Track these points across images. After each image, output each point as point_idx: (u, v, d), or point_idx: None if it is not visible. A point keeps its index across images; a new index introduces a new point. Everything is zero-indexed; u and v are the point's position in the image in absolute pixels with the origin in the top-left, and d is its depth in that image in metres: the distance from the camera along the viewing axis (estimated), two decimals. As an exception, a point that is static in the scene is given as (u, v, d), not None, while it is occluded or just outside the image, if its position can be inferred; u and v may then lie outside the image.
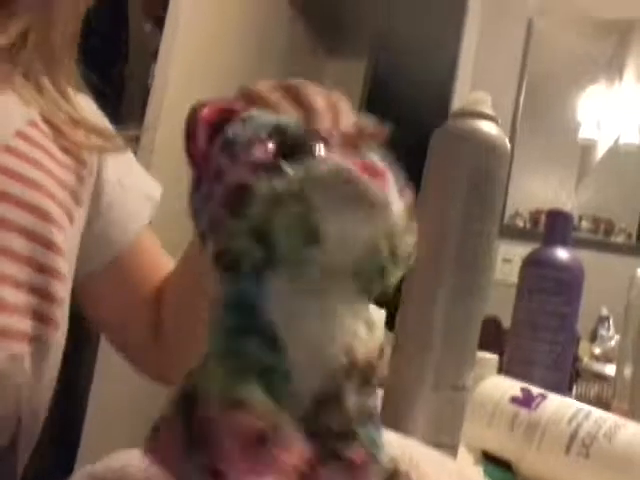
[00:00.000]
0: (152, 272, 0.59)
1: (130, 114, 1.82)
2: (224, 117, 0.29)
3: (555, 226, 0.77)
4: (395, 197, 0.27)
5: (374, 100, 3.18)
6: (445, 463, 0.35)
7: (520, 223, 2.32)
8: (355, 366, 0.26)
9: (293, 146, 0.26)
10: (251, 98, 0.33)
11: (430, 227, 0.48)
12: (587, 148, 2.34)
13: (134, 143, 0.55)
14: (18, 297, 0.42)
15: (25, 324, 0.43)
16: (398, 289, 0.46)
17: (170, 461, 0.24)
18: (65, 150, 0.48)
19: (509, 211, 2.30)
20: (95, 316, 0.59)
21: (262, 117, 0.28)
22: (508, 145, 0.49)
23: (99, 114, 0.56)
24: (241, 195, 0.26)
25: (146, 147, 1.73)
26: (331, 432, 0.25)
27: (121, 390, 1.74)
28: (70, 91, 0.51)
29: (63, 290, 0.47)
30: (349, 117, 0.33)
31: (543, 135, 2.33)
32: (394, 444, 0.36)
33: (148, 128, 1.79)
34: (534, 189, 2.33)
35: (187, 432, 0.24)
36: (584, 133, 2.34)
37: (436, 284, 0.47)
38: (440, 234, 0.47)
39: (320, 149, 0.26)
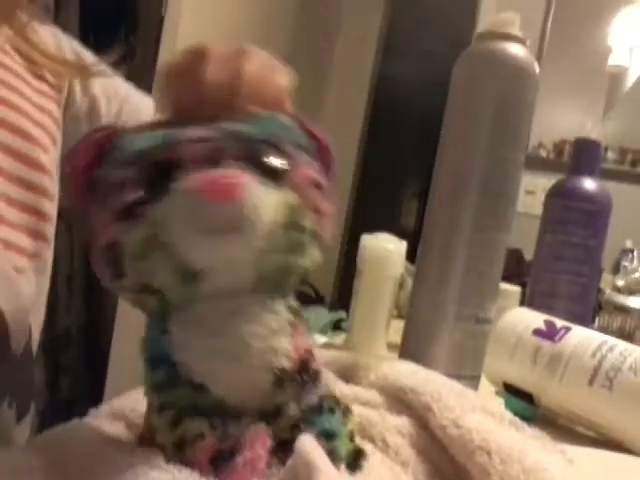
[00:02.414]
0: None
1: (145, 46, 1.78)
2: (100, 151, 0.27)
3: (583, 155, 0.74)
4: (262, 194, 0.25)
5: (396, 24, 3.07)
6: (467, 395, 0.34)
7: (543, 154, 2.26)
8: (285, 375, 0.26)
9: (156, 175, 0.25)
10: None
11: (454, 154, 0.47)
12: (616, 75, 2.25)
13: (123, 65, 0.55)
14: (14, 214, 0.44)
15: (24, 241, 0.45)
16: (420, 220, 0.45)
17: None
18: (38, 77, 0.49)
19: (532, 141, 2.25)
20: None
21: (128, 145, 0.27)
22: (537, 68, 0.46)
23: (70, 42, 0.56)
24: (113, 255, 0.25)
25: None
26: (282, 440, 0.25)
27: (142, 327, 1.78)
28: (35, 24, 0.50)
29: (52, 208, 0.48)
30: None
31: (571, 61, 2.24)
32: (416, 376, 0.35)
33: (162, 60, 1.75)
34: (559, 119, 2.26)
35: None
36: (615, 59, 2.24)
37: (459, 212, 0.45)
38: (464, 161, 0.45)
39: (179, 176, 0.25)
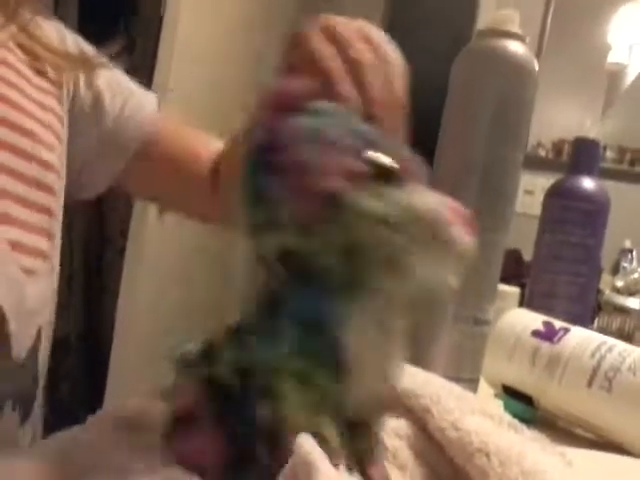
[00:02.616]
0: (185, 142, 0.61)
1: (144, 45, 1.78)
2: (301, 98, 0.27)
3: (581, 155, 0.74)
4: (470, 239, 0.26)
5: (396, 21, 3.06)
6: (466, 397, 0.34)
7: (542, 153, 2.26)
8: (381, 403, 0.27)
9: (377, 164, 0.25)
10: (307, 57, 0.33)
11: (453, 152, 0.46)
12: (615, 73, 2.25)
13: (125, 56, 0.55)
14: (26, 214, 0.44)
15: (36, 241, 0.45)
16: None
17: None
18: (39, 73, 0.49)
19: (531, 141, 2.24)
20: (151, 199, 0.68)
21: (345, 118, 0.27)
22: (536, 65, 0.46)
23: (74, 37, 0.56)
24: (337, 203, 0.24)
25: (160, 84, 1.70)
26: (357, 452, 0.25)
27: (143, 332, 1.78)
28: (39, 19, 0.50)
29: (59, 206, 0.49)
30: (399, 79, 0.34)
31: (570, 59, 2.24)
32: (415, 379, 0.35)
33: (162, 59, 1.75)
34: (557, 117, 2.26)
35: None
36: (614, 57, 2.24)
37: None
38: (463, 159, 0.45)
39: (412, 178, 0.26)
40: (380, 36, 0.35)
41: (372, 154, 0.25)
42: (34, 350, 0.45)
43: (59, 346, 1.77)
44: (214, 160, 0.59)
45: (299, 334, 0.25)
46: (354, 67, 0.33)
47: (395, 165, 0.26)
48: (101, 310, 1.84)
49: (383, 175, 0.25)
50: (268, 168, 0.25)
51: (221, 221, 0.61)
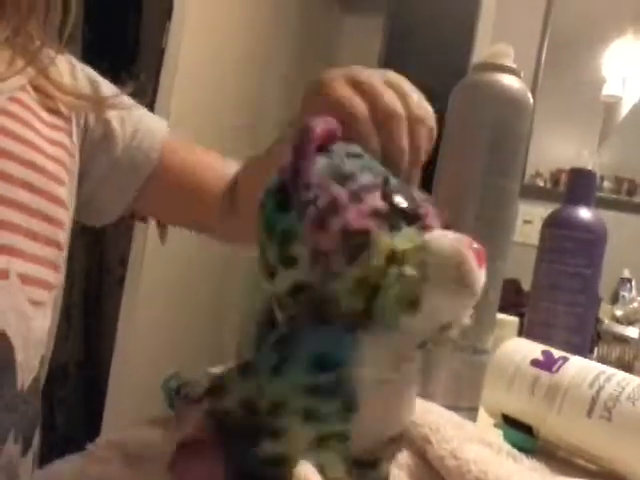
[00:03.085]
0: (197, 165, 0.62)
1: (146, 75, 1.80)
2: (327, 138, 0.28)
3: (577, 185, 0.75)
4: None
5: (393, 55, 3.11)
6: (465, 426, 0.34)
7: (540, 183, 2.28)
8: (397, 438, 0.26)
9: (400, 207, 0.26)
10: (333, 103, 0.33)
11: (450, 184, 0.47)
12: (611, 105, 2.28)
13: (141, 94, 0.56)
14: (36, 248, 0.44)
15: (45, 273, 0.45)
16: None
17: None
18: (51, 110, 0.50)
19: (529, 171, 2.26)
20: (166, 221, 0.70)
21: (369, 162, 0.28)
22: (531, 99, 0.47)
23: (84, 69, 0.56)
24: (361, 241, 0.25)
25: (162, 110, 1.72)
26: None
27: (141, 361, 1.77)
28: (52, 53, 0.51)
29: (66, 239, 0.49)
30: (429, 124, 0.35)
31: (565, 92, 2.27)
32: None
33: (164, 89, 1.78)
34: (555, 148, 2.28)
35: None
36: (608, 89, 2.27)
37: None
38: (460, 191, 0.46)
39: (431, 221, 0.26)
40: (407, 85, 0.35)
41: (395, 196, 0.26)
42: (37, 380, 0.45)
43: (57, 374, 1.76)
44: (230, 181, 0.60)
45: (309, 370, 0.25)
46: (384, 116, 0.33)
47: (417, 208, 0.26)
48: (100, 339, 1.83)
49: (405, 217, 0.26)
50: (290, 205, 0.26)
51: (240, 242, 0.62)
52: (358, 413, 0.24)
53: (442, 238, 0.25)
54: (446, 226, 0.28)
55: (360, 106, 0.33)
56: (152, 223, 1.63)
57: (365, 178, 0.26)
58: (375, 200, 0.26)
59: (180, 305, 1.95)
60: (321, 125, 0.27)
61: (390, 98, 0.34)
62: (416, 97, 0.35)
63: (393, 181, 0.27)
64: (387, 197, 0.26)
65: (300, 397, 0.24)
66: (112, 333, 1.72)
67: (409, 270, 0.24)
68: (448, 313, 0.25)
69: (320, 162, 0.27)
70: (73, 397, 1.79)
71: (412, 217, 0.26)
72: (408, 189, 0.27)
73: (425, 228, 0.26)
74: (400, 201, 0.26)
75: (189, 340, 1.94)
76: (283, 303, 0.26)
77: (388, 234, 0.25)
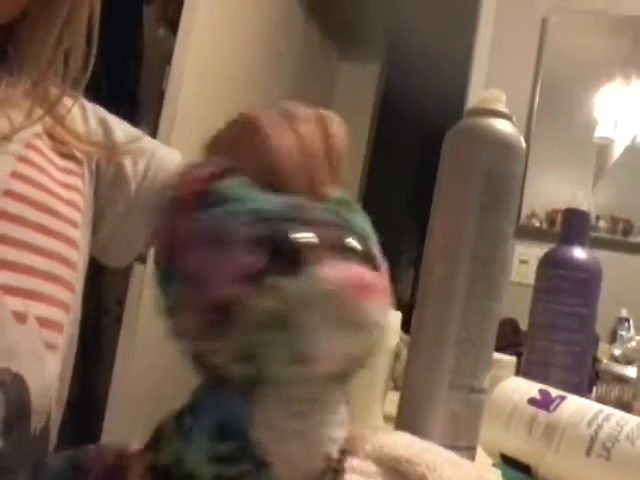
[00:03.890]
0: None
1: (145, 118, 1.83)
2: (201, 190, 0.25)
3: (572, 225, 0.76)
4: (386, 306, 0.25)
5: (388, 102, 3.18)
6: (463, 466, 0.34)
7: (536, 223, 2.29)
8: (330, 467, 0.26)
9: (279, 248, 0.24)
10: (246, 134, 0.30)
11: (445, 226, 0.48)
12: (604, 147, 2.32)
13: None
14: (56, 291, 0.45)
15: (61, 317, 0.46)
16: (414, 290, 0.46)
17: None
18: (64, 155, 0.51)
19: (525, 211, 2.28)
20: None
21: (253, 196, 0.25)
22: (523, 143, 0.48)
23: (94, 109, 0.57)
24: (225, 313, 0.23)
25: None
26: None
27: (136, 403, 1.75)
28: (68, 102, 0.52)
29: (80, 282, 0.50)
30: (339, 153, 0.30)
31: (559, 134, 2.31)
32: (412, 446, 0.35)
33: (163, 131, 1.80)
34: (550, 189, 2.31)
35: None
36: (601, 132, 2.31)
37: (452, 283, 0.46)
38: (455, 232, 0.47)
39: (311, 260, 0.24)
40: (337, 124, 0.31)
41: (278, 237, 0.24)
42: (48, 422, 0.45)
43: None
44: None
45: (211, 439, 0.24)
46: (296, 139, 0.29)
47: (310, 240, 0.24)
48: (96, 379, 1.81)
49: (286, 259, 0.24)
50: (170, 276, 0.25)
51: None
52: (272, 466, 0.24)
53: (324, 276, 0.23)
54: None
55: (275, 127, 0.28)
56: (150, 262, 1.63)
57: (242, 227, 0.24)
58: (246, 257, 0.23)
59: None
60: (197, 172, 0.26)
61: (311, 129, 0.29)
62: (340, 137, 0.30)
63: (279, 210, 0.25)
64: (264, 242, 0.24)
65: (210, 465, 0.24)
66: (109, 373, 1.71)
67: (284, 329, 0.23)
68: (343, 351, 0.24)
69: (193, 222, 0.25)
70: (68, 438, 1.77)
71: (293, 257, 0.24)
72: (305, 215, 0.25)
73: (316, 261, 0.24)
74: (281, 240, 0.24)
75: (186, 379, 1.92)
76: (191, 362, 0.26)
77: (256, 297, 0.23)
